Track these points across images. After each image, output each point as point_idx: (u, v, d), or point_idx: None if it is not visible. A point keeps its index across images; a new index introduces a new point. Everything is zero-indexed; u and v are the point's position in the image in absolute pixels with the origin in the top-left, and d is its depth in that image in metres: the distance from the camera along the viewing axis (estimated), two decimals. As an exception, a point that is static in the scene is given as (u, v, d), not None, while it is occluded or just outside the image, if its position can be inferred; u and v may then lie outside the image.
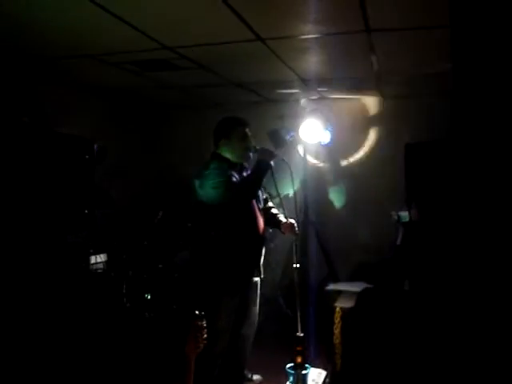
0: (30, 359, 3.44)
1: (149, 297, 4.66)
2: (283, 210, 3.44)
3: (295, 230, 3.45)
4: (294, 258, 3.43)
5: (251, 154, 3.35)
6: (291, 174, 3.37)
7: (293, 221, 3.45)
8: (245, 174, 3.39)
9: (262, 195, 3.52)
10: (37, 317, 3.55)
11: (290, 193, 3.48)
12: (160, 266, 4.76)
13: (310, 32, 3.32)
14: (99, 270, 4.65)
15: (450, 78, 1.89)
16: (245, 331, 3.41)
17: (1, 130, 3.30)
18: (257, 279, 3.42)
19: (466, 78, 1.79)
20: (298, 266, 3.39)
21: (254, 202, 3.36)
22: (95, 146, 3.53)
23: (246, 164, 3.46)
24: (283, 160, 3.40)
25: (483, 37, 1.76)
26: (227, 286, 3.18)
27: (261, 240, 3.36)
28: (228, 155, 3.31)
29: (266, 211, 3.56)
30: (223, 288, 3.17)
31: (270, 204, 3.65)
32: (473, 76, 1.79)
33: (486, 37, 1.75)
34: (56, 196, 3.58)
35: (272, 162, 3.23)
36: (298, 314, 3.24)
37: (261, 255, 3.35)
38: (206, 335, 2.19)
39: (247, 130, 3.37)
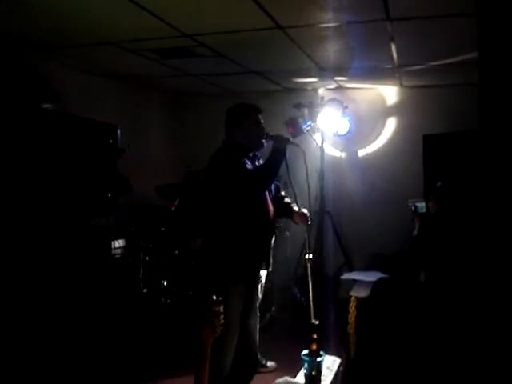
0: (50, 337, 3.52)
1: (165, 283, 4.71)
2: (295, 198, 3.41)
3: (307, 220, 3.41)
4: (307, 249, 3.42)
5: (265, 141, 3.31)
6: (305, 161, 3.33)
7: (305, 210, 3.42)
8: (256, 162, 3.36)
9: (274, 184, 3.48)
10: (59, 297, 3.62)
11: (304, 181, 3.44)
12: (176, 252, 4.80)
13: (329, 20, 3.30)
14: (117, 255, 4.71)
15: (474, 68, 1.86)
16: (250, 321, 3.43)
17: (24, 117, 3.36)
18: (264, 271, 3.41)
19: (493, 67, 1.76)
20: (310, 256, 3.37)
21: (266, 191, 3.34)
22: (118, 131, 3.57)
23: (257, 152, 3.43)
24: (298, 146, 3.35)
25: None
26: (235, 275, 3.19)
27: (270, 229, 3.33)
28: (241, 142, 3.28)
29: (279, 200, 3.53)
30: (231, 276, 3.18)
31: (283, 193, 3.61)
32: (500, 65, 1.76)
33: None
34: (80, 180, 3.64)
35: (287, 149, 3.20)
36: (311, 302, 3.25)
37: (270, 244, 3.32)
38: (222, 321, 2.21)
39: (260, 116, 3.34)
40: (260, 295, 3.48)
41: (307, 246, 3.43)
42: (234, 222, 3.16)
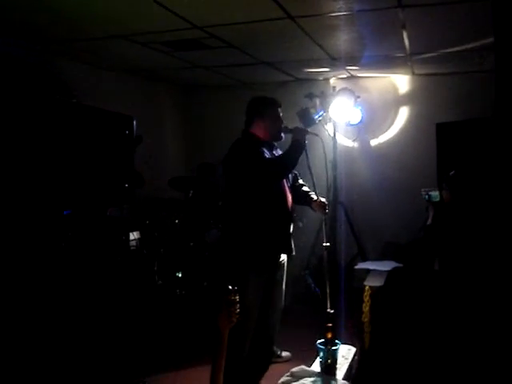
0: (65, 327, 3.57)
1: (180, 275, 4.75)
2: (314, 188, 3.45)
3: (325, 209, 3.45)
4: (324, 237, 3.44)
5: (283, 135, 3.37)
6: (324, 151, 3.37)
7: (324, 199, 3.46)
8: (275, 152, 3.40)
9: (291, 173, 3.52)
10: (75, 288, 3.67)
11: (318, 170, 3.47)
12: (191, 244, 4.83)
13: (340, 9, 3.28)
14: (132, 248, 4.76)
15: (486, 54, 1.85)
16: (272, 309, 3.45)
17: (42, 108, 3.40)
18: (284, 257, 3.44)
19: (509, 52, 1.74)
20: (327, 244, 3.40)
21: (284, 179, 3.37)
22: (134, 122, 3.60)
23: (275, 143, 3.47)
24: (317, 135, 3.40)
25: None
26: (255, 264, 3.22)
27: (289, 217, 3.37)
28: (261, 134, 3.32)
29: (297, 188, 3.57)
30: (251, 265, 3.21)
31: (301, 181, 3.65)
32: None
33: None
34: (97, 170, 3.68)
35: (306, 141, 3.24)
36: (328, 291, 3.26)
37: (290, 232, 3.37)
38: (238, 310, 2.23)
39: (280, 110, 3.39)
40: (284, 286, 3.49)
41: (324, 234, 3.45)
42: (254, 210, 3.20)
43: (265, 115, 3.31)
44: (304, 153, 3.24)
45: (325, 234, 3.45)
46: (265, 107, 3.34)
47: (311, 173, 3.35)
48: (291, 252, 3.38)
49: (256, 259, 3.19)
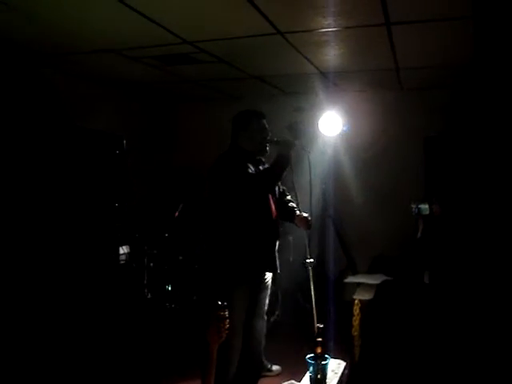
0: (56, 343, 3.54)
1: (169, 288, 4.73)
2: (297, 202, 3.46)
3: (308, 224, 3.45)
4: (307, 252, 3.45)
5: (268, 148, 3.37)
6: (309, 165, 3.37)
7: (306, 214, 3.46)
8: (261, 167, 3.40)
9: (278, 188, 3.52)
10: (65, 303, 3.65)
11: (307, 185, 3.48)
12: (180, 257, 4.81)
13: (329, 25, 3.32)
14: (122, 262, 4.74)
15: (472, 69, 1.89)
16: (256, 323, 3.45)
17: (30, 130, 3.41)
18: (269, 274, 3.43)
19: (489, 68, 1.79)
20: (311, 260, 3.41)
21: (270, 194, 3.37)
22: (124, 142, 3.62)
23: (262, 158, 3.48)
24: (303, 149, 3.40)
25: (507, 27, 1.75)
26: (239, 279, 3.21)
27: (274, 234, 3.36)
28: (246, 147, 3.33)
29: (284, 204, 3.57)
30: (236, 280, 3.20)
31: (288, 197, 3.65)
32: (496, 67, 1.78)
33: (509, 27, 1.73)
34: (87, 189, 3.69)
35: (291, 153, 3.24)
36: (314, 306, 3.27)
37: (274, 248, 3.35)
38: (228, 325, 2.22)
39: (264, 121, 3.39)
40: (267, 300, 3.49)
41: (307, 250, 3.45)
42: (238, 225, 3.19)
43: (249, 127, 3.32)
44: (289, 167, 3.24)
45: (308, 249, 3.45)
46: (249, 119, 3.36)
47: (295, 187, 3.36)
48: (276, 270, 3.37)
49: (240, 275, 3.18)
